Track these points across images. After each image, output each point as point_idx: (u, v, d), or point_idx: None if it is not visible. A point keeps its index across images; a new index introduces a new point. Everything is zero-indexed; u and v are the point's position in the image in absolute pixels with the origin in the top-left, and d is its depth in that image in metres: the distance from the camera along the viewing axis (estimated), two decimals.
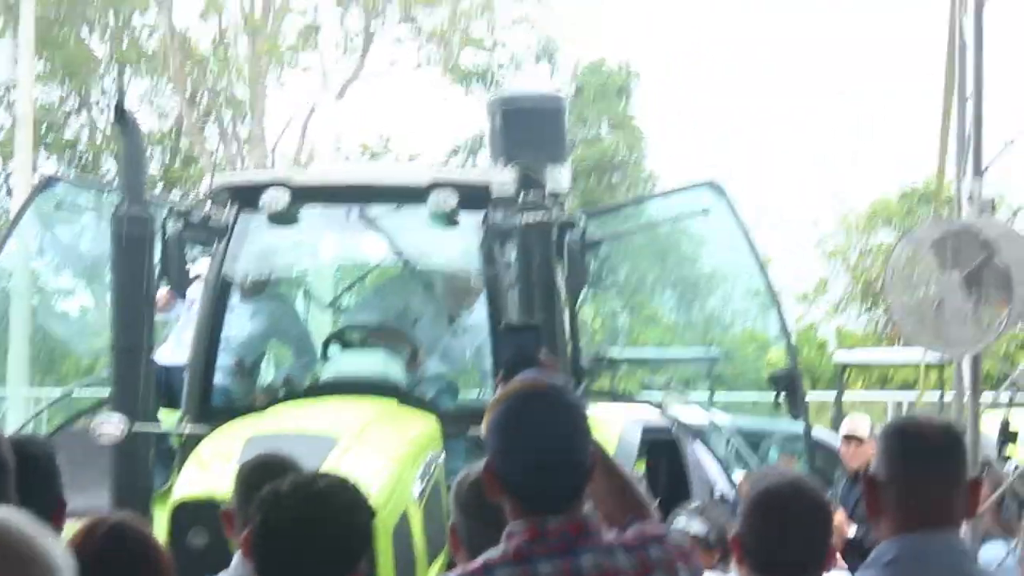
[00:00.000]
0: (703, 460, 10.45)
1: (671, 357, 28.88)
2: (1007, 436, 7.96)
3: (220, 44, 32.85)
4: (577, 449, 3.68)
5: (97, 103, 33.58)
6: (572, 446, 3.67)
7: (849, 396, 20.05)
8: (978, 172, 6.98)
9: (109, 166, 33.14)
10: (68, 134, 33.25)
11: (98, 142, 32.65)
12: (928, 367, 12.26)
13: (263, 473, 4.66)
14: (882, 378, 26.12)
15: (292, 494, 3.74)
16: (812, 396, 27.65)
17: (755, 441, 12.70)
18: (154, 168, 32.39)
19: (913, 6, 33.73)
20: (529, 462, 3.65)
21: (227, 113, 32.72)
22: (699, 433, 10.32)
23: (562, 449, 3.66)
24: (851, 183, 37.93)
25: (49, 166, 30.62)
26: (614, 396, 10.56)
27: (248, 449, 7.41)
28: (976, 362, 7.00)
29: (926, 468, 3.87)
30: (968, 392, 7.07)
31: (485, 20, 33.69)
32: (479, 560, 3.67)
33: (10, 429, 10.60)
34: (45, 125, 29.89)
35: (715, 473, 10.42)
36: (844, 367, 19.29)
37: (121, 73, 33.68)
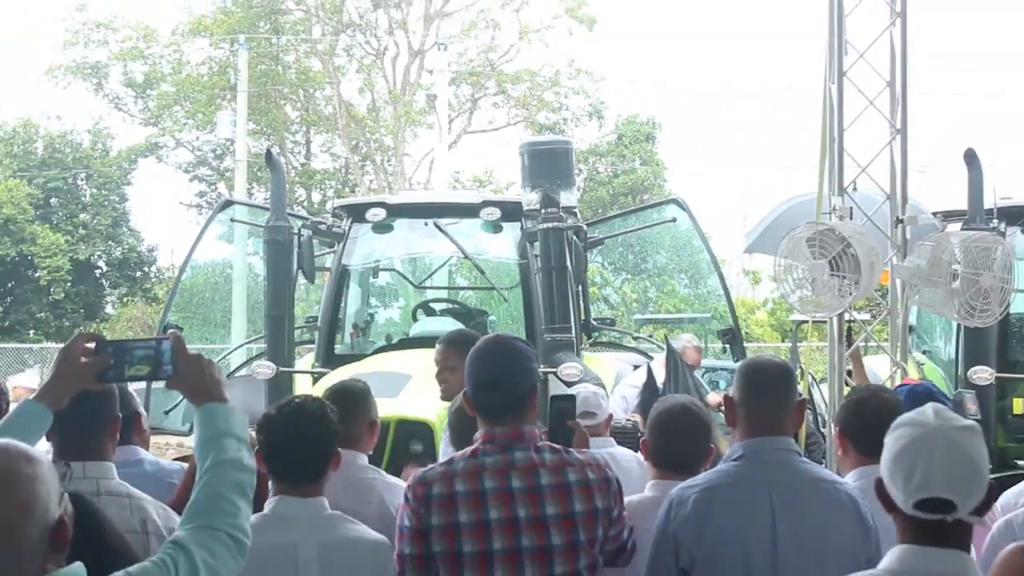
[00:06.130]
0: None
1: (678, 318, 28.64)
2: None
3: (373, 110, 33.11)
4: (511, 375, 3.57)
5: (292, 150, 33.98)
6: (507, 373, 3.57)
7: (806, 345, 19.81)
8: (840, 191, 6.94)
9: (300, 193, 33.48)
10: None
11: (292, 176, 32.93)
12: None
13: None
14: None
15: (279, 410, 3.71)
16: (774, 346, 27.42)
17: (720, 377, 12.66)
18: (330, 195, 32.68)
19: None
20: (478, 384, 3.59)
21: (378, 157, 32.94)
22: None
23: (499, 375, 3.57)
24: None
25: (260, 195, 30.94)
26: (615, 346, 10.58)
27: None
28: (840, 320, 6.94)
29: (764, 392, 3.76)
30: (837, 342, 7.02)
31: (553, 91, 33.71)
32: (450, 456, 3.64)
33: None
34: (257, 168, 30.22)
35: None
36: (798, 324, 18.96)
37: (308, 131, 34.05)
